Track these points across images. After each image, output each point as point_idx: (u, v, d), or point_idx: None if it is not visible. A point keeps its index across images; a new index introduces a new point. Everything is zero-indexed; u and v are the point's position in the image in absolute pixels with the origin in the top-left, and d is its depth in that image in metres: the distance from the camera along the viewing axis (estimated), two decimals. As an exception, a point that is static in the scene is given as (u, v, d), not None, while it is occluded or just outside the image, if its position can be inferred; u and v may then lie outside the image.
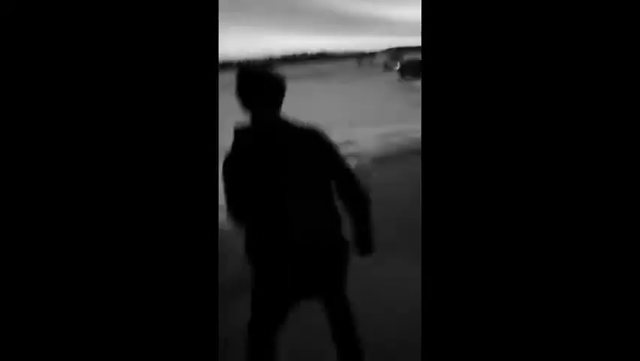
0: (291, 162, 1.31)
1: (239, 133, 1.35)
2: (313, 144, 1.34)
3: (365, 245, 1.44)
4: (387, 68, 35.86)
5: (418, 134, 6.14)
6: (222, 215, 2.68)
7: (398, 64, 25.81)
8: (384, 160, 6.01)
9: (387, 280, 2.52)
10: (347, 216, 1.42)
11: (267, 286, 1.38)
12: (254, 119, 1.34)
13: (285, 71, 1.58)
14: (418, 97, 10.59)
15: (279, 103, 1.35)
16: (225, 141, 1.36)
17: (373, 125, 9.08)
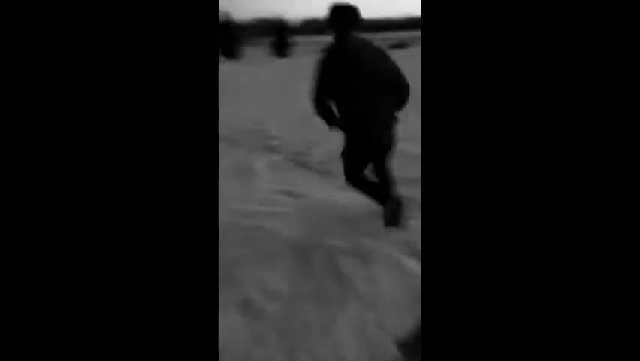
0: (363, 64, 1.93)
1: (331, 46, 1.99)
2: (377, 54, 1.99)
3: (400, 107, 2.13)
4: None
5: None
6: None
7: None
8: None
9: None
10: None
11: (351, 142, 2.11)
12: (340, 38, 1.97)
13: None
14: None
15: (356, 27, 1.98)
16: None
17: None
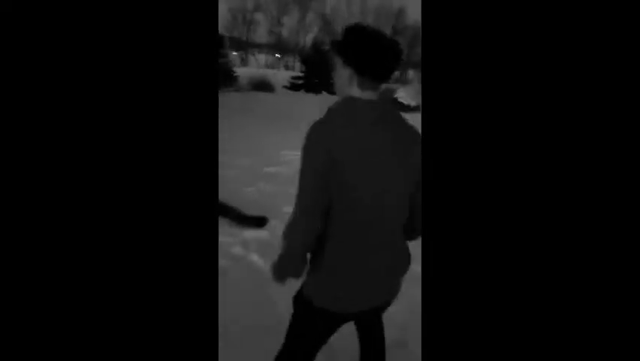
0: (389, 167, 1.02)
1: (335, 112, 1.01)
2: (412, 153, 1.07)
3: None
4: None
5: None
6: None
7: None
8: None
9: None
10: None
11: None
12: (357, 96, 1.03)
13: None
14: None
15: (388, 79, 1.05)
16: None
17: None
